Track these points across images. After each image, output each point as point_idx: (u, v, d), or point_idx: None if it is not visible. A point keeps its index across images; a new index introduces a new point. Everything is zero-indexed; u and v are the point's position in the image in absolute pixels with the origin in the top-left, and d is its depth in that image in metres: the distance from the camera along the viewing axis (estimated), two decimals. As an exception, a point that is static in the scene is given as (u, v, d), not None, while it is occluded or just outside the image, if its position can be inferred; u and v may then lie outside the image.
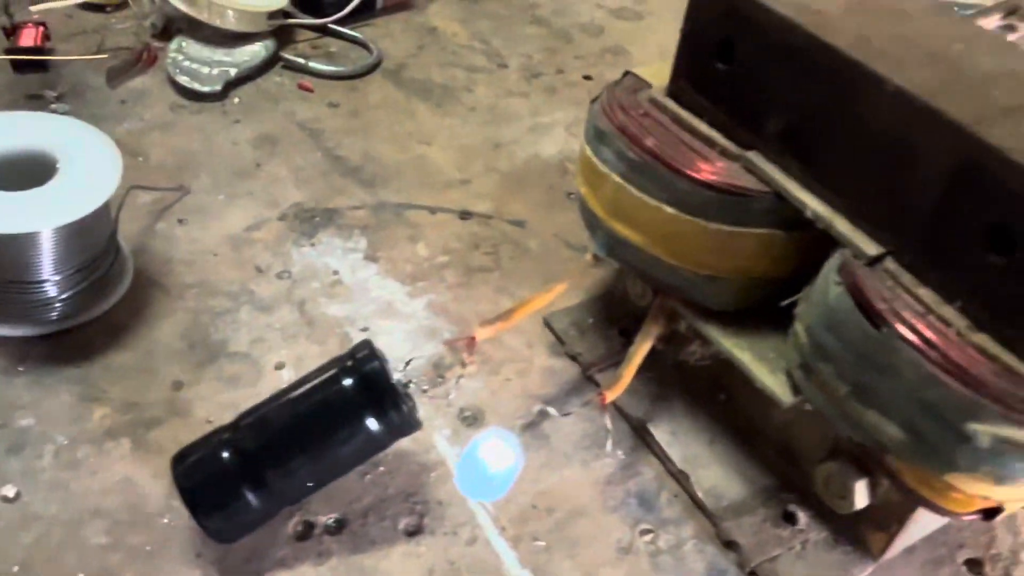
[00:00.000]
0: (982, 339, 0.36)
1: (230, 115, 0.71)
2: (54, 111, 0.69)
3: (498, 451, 0.39)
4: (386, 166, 0.69)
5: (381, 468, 0.47)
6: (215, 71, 0.74)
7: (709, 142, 0.46)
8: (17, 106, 0.68)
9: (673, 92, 0.49)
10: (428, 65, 0.81)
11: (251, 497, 0.41)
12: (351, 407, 0.41)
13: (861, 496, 0.44)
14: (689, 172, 0.44)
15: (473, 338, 0.47)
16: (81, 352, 0.51)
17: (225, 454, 0.41)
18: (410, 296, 0.58)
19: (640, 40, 0.89)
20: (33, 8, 0.73)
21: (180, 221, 0.61)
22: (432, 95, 0.77)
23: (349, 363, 0.42)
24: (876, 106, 0.39)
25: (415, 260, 0.61)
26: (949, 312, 0.37)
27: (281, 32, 0.80)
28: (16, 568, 0.41)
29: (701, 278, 0.47)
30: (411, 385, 0.43)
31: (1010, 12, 0.71)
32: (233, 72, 0.74)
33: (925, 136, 0.37)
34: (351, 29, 0.83)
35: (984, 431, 0.35)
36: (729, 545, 0.47)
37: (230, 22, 0.76)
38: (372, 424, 0.41)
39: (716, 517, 0.47)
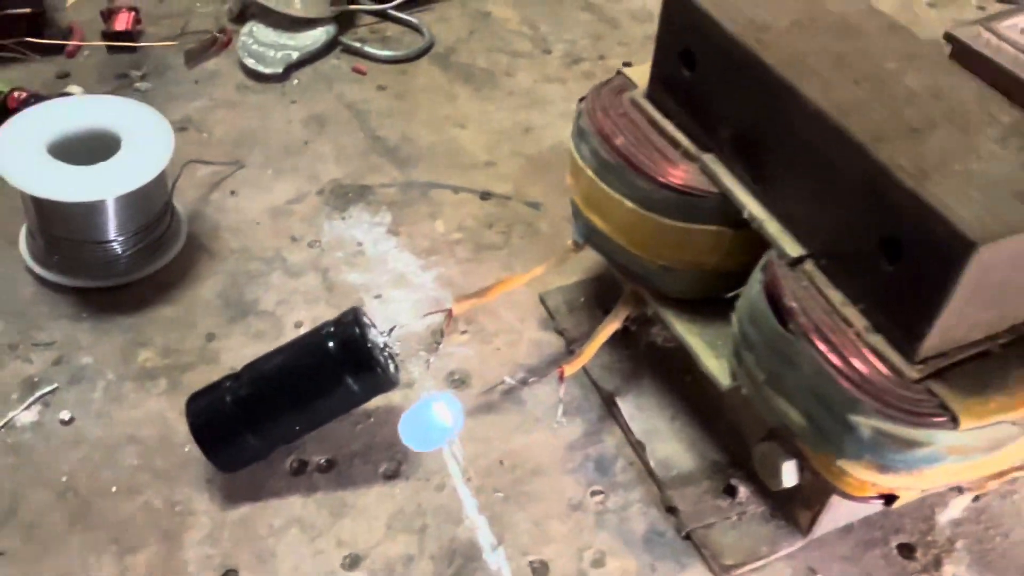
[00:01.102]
0: (877, 340, 0.40)
1: (288, 95, 0.79)
2: (138, 89, 0.78)
3: (442, 413, 0.45)
4: (420, 147, 0.75)
5: (371, 419, 0.54)
6: (279, 54, 0.81)
7: (674, 143, 0.50)
8: (107, 83, 0.78)
9: (650, 94, 0.53)
10: (475, 50, 0.86)
11: (247, 436, 0.49)
12: (332, 366, 0.48)
13: (789, 476, 0.47)
14: (648, 172, 0.49)
15: (451, 311, 0.53)
16: (135, 303, 0.60)
17: (227, 399, 0.48)
18: (422, 269, 0.65)
19: (687, 27, 0.91)
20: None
21: (232, 192, 0.69)
22: (474, 79, 0.83)
23: (333, 328, 0.49)
24: (800, 122, 0.42)
25: (432, 236, 0.67)
26: (852, 313, 0.41)
27: (344, 17, 0.87)
28: (64, 478, 0.51)
29: (659, 268, 0.51)
30: (388, 349, 0.50)
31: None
32: (295, 55, 0.82)
33: (836, 153, 0.40)
34: (410, 14, 0.89)
35: (864, 424, 0.39)
36: (671, 510, 0.51)
37: (295, 8, 0.83)
38: (349, 382, 0.48)
39: (663, 485, 0.52)
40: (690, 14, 0.47)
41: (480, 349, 0.59)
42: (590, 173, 0.52)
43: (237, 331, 0.59)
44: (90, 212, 0.59)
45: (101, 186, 0.58)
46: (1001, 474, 0.44)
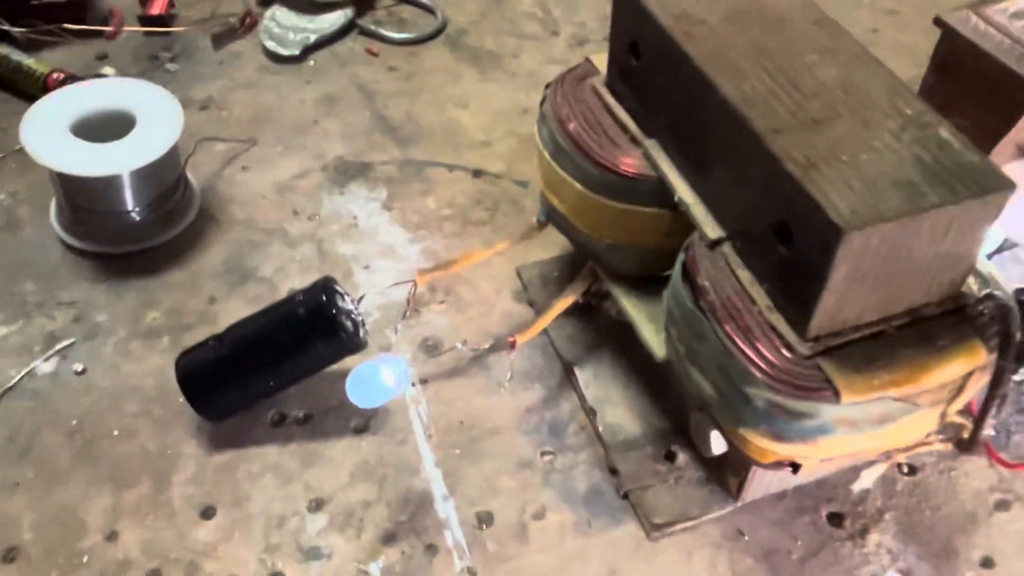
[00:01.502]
0: (777, 318, 0.43)
1: (303, 76, 0.84)
2: (167, 70, 0.84)
3: (387, 375, 0.49)
4: (421, 126, 0.79)
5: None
6: (298, 37, 0.86)
7: (624, 129, 0.53)
8: (140, 64, 0.85)
9: (608, 82, 0.56)
10: (485, 32, 0.90)
11: (227, 391, 0.54)
12: (301, 330, 0.53)
13: (717, 444, 0.50)
14: (595, 157, 0.52)
15: (415, 282, 0.57)
16: (148, 268, 0.67)
17: (210, 356, 0.54)
18: (410, 242, 0.69)
19: (697, 8, 0.93)
20: (154, -18, 0.88)
21: (244, 167, 0.75)
22: (480, 61, 0.86)
23: (303, 296, 0.54)
24: (714, 113, 0.44)
25: (423, 211, 0.72)
26: (758, 293, 0.44)
27: (363, 0, 0.92)
28: (74, 422, 0.57)
29: (606, 246, 0.55)
30: (357, 315, 0.55)
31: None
32: (313, 38, 0.87)
33: (742, 142, 0.43)
34: (426, -4, 0.94)
35: (758, 395, 0.42)
36: (613, 472, 0.55)
37: (315, -8, 0.88)
38: (317, 345, 0.53)
39: (608, 448, 0.56)
40: (634, 6, 0.50)
41: (454, 317, 0.64)
42: (547, 156, 0.55)
43: (236, 295, 0.65)
44: (108, 185, 0.65)
45: (117, 162, 0.64)
46: (908, 448, 0.47)
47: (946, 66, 0.72)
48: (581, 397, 0.59)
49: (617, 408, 0.58)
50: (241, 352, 0.54)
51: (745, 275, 0.44)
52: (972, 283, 0.44)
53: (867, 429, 0.43)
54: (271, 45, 0.86)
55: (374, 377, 0.49)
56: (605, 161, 0.52)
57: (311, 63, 0.86)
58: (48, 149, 0.63)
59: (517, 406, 0.59)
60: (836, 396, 0.40)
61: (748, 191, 0.44)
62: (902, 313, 0.42)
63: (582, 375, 0.60)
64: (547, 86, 0.58)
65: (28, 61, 0.80)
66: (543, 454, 0.56)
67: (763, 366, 0.41)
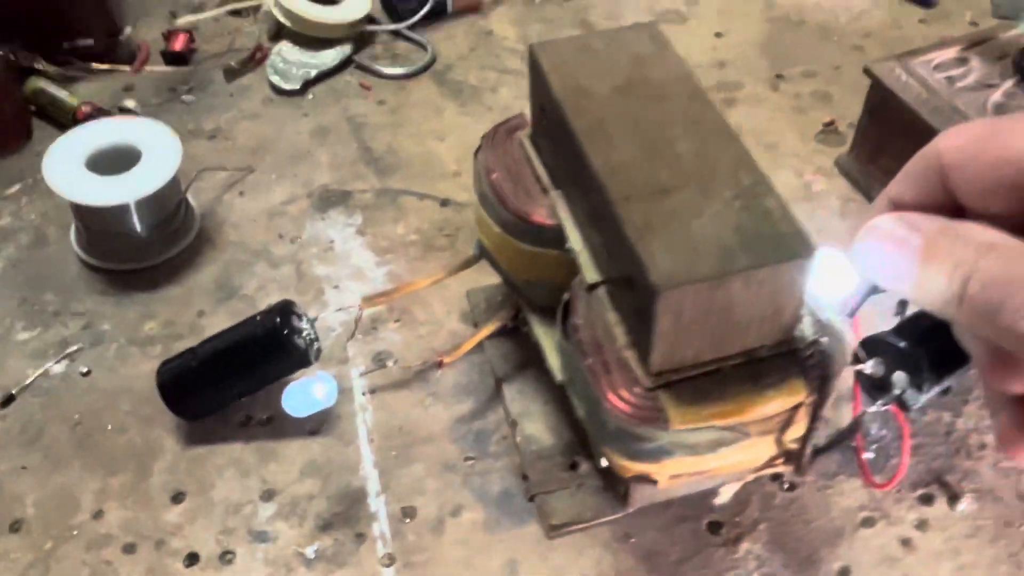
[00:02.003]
0: (630, 355, 0.50)
1: (302, 109, 0.94)
2: (183, 101, 0.95)
3: (318, 390, 0.58)
4: (401, 157, 0.88)
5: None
6: (299, 71, 0.96)
7: (538, 180, 0.61)
8: (161, 96, 0.95)
9: (531, 135, 0.64)
10: (470, 67, 0.98)
11: (198, 397, 0.64)
12: (260, 346, 0.62)
13: (602, 458, 0.58)
14: (509, 204, 0.60)
15: (361, 307, 0.66)
16: (149, 284, 0.77)
17: (184, 367, 0.64)
18: (377, 265, 0.78)
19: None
20: (179, 21, 0.98)
21: (241, 193, 0.85)
22: (462, 95, 0.95)
23: (260, 317, 0.63)
24: (588, 178, 0.52)
25: (392, 237, 0.80)
26: (620, 333, 0.51)
27: (362, 36, 1.01)
28: (77, 416, 0.68)
29: (522, 281, 0.62)
30: (308, 335, 0.63)
31: (970, 46, 0.76)
32: (313, 73, 0.96)
33: (604, 206, 0.50)
34: (422, 32, 1.02)
35: (610, 420, 0.49)
36: (524, 478, 0.63)
37: (317, 29, 0.97)
38: (272, 360, 0.62)
39: (523, 457, 0.64)
40: (540, 75, 0.58)
41: (406, 335, 0.73)
42: (476, 199, 0.63)
43: (221, 310, 0.75)
44: (116, 212, 0.75)
45: (123, 192, 0.74)
46: (758, 469, 0.54)
47: (876, 112, 0.78)
48: (506, 410, 0.67)
49: (535, 421, 0.66)
50: (210, 364, 0.63)
51: (612, 316, 0.52)
52: (808, 328, 0.50)
53: (704, 453, 0.50)
54: (275, 79, 0.95)
55: (307, 391, 0.57)
56: (517, 209, 0.59)
57: (310, 96, 0.95)
58: (65, 182, 0.73)
59: (450, 416, 0.67)
60: (667, 424, 0.47)
61: (612, 246, 0.51)
62: (738, 354, 0.49)
63: (509, 390, 0.68)
64: (483, 136, 0.66)
65: (61, 95, 0.91)
66: (466, 459, 0.65)
67: (612, 396, 0.49)
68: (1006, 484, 0.62)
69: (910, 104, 0.73)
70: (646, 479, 0.53)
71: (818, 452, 0.55)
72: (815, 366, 0.49)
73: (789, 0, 1.05)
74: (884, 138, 0.77)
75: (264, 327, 0.62)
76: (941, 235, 0.35)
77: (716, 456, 0.50)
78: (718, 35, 1.01)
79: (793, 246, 0.45)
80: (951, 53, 0.76)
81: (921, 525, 0.60)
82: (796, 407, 0.49)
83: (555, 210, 0.59)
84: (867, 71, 0.77)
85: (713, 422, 0.48)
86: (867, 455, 0.63)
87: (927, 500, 0.61)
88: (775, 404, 0.48)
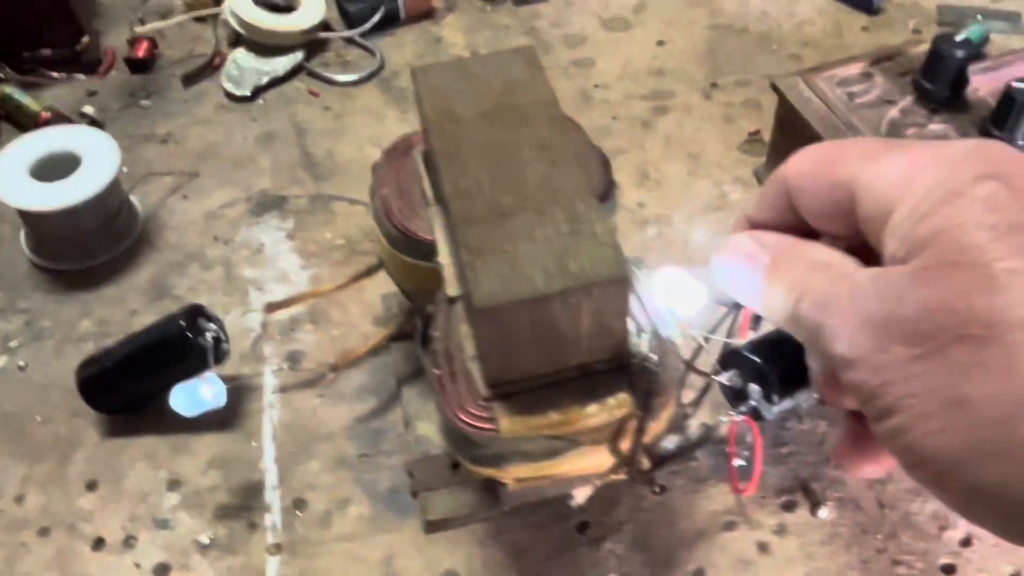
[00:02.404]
0: (474, 367, 0.53)
1: (251, 114, 0.98)
2: (141, 106, 0.99)
3: (205, 391, 0.62)
4: (338, 163, 0.92)
5: (236, 383, 0.73)
6: (251, 78, 1.00)
7: (424, 195, 0.64)
8: (121, 101, 1.00)
9: (423, 154, 0.67)
10: (416, 74, 1.01)
11: (114, 393, 0.69)
12: (168, 346, 0.67)
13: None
14: (393, 219, 0.63)
15: (267, 311, 0.70)
16: (90, 283, 0.82)
17: (101, 365, 0.69)
18: (302, 269, 0.82)
19: (612, 52, 1.02)
20: (138, 29, 1.03)
21: (184, 197, 0.90)
22: (404, 102, 0.98)
23: (169, 320, 0.68)
24: (444, 198, 0.55)
25: (319, 241, 0.84)
26: (468, 345, 0.54)
27: (315, 43, 1.05)
28: (10, 408, 0.73)
29: (408, 291, 0.66)
30: (213, 336, 0.68)
31: (876, 61, 0.78)
32: (265, 80, 1.00)
33: (452, 226, 0.53)
34: (374, 40, 1.05)
35: (453, 426, 0.53)
36: (411, 475, 0.67)
37: (270, 37, 1.01)
38: (181, 360, 0.67)
39: (413, 455, 0.68)
40: (417, 97, 0.61)
41: (320, 337, 0.77)
42: (370, 214, 0.67)
43: (152, 310, 0.80)
44: (57, 216, 0.80)
45: (64, 197, 0.79)
46: (603, 474, 0.57)
47: (782, 125, 0.80)
48: (403, 411, 0.71)
49: (428, 422, 0.70)
50: (122, 364, 0.68)
51: (465, 329, 0.55)
52: (646, 345, 0.53)
53: (541, 460, 0.53)
54: (228, 86, 1.00)
55: (195, 391, 0.62)
56: (399, 223, 0.63)
57: (260, 102, 1.00)
58: (8, 189, 0.79)
59: (351, 415, 0.71)
60: (498, 433, 0.51)
61: (458, 264, 0.54)
62: (574, 368, 0.52)
63: (408, 392, 0.71)
64: (384, 150, 0.69)
65: (27, 100, 0.96)
66: (360, 456, 0.69)
67: (452, 404, 0.52)
68: (869, 493, 0.64)
69: (808, 120, 0.75)
70: (496, 482, 0.57)
71: (664, 460, 0.57)
72: (641, 381, 0.52)
73: (734, 8, 1.06)
74: (791, 151, 0.78)
75: (170, 329, 0.67)
76: (784, 253, 0.38)
77: (554, 463, 0.54)
78: (660, 43, 1.03)
79: (609, 268, 0.48)
80: (856, 69, 0.77)
81: (780, 530, 0.63)
82: (625, 419, 0.52)
83: (430, 225, 0.62)
84: (773, 86, 0.78)
85: (542, 432, 0.51)
86: (738, 461, 0.65)
87: (790, 507, 0.64)
88: (601, 417, 0.51)
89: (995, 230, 0.30)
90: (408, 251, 0.63)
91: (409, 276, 0.65)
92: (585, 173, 0.54)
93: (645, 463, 0.56)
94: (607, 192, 0.64)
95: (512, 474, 0.55)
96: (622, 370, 0.53)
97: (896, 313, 0.31)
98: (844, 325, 0.33)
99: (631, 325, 0.54)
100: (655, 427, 0.55)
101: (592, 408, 0.51)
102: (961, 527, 0.62)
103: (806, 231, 0.40)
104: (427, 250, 0.62)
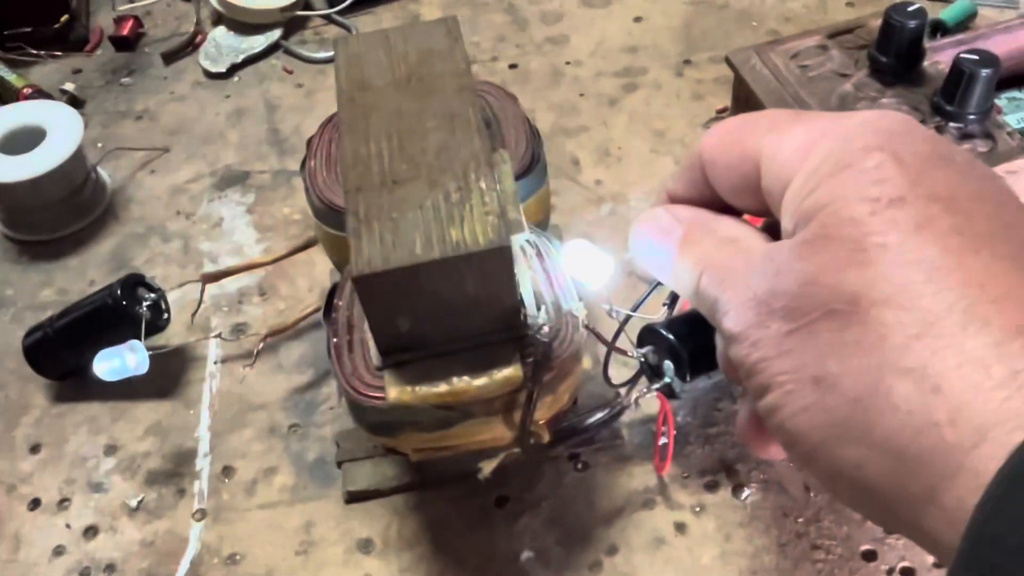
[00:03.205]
0: (370, 337, 0.53)
1: (225, 91, 0.99)
2: (122, 84, 1.01)
3: (129, 358, 0.63)
4: (303, 139, 0.92)
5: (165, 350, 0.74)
6: (228, 55, 1.01)
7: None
8: (104, 78, 1.02)
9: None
10: (390, 51, 1.01)
11: (56, 360, 0.71)
12: (107, 314, 0.68)
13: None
14: (316, 190, 0.64)
15: (203, 282, 0.71)
16: (55, 254, 0.84)
17: (44, 333, 0.70)
18: (257, 243, 0.83)
19: (588, 29, 1.00)
20: (122, 8, 1.05)
21: (152, 172, 0.91)
22: (375, 79, 0.98)
23: (109, 288, 0.69)
24: (344, 164, 0.55)
25: (277, 216, 0.85)
26: (369, 314, 0.54)
27: (294, 20, 1.05)
28: (-33, 372, 0.76)
29: (336, 262, 0.66)
30: (149, 303, 0.69)
31: (833, 35, 0.76)
32: (241, 57, 1.01)
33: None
34: (353, 17, 1.06)
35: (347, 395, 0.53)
36: (337, 444, 0.67)
37: (247, 15, 1.02)
38: (118, 327, 0.68)
39: (341, 427, 0.68)
40: (336, 68, 0.61)
41: (266, 309, 0.77)
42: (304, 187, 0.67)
43: (110, 280, 0.80)
44: (22, 187, 0.82)
45: (26, 169, 0.81)
46: (507, 446, 0.56)
47: (739, 99, 0.78)
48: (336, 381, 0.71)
49: (360, 394, 0.70)
50: (63, 332, 0.70)
51: (368, 299, 0.55)
52: (544, 317, 0.53)
53: (434, 430, 0.53)
54: (205, 63, 1.01)
55: (120, 358, 0.63)
56: (322, 195, 0.63)
57: (236, 79, 1.01)
58: (-26, 161, 0.81)
59: (289, 387, 0.72)
60: (384, 401, 0.51)
61: (360, 233, 0.54)
62: (468, 338, 0.52)
63: (343, 365, 0.72)
64: (321, 123, 0.69)
65: (11, 77, 0.99)
66: (291, 427, 0.69)
67: (344, 373, 0.52)
68: (795, 476, 0.62)
69: (759, 95, 0.73)
70: (397, 452, 0.57)
71: (567, 435, 0.57)
72: (534, 354, 0.51)
73: (717, -17, 1.04)
74: (747, 127, 0.77)
75: (106, 298, 0.68)
76: (695, 228, 0.37)
77: (447, 434, 0.53)
78: (637, 20, 1.01)
79: (490, 237, 0.48)
80: (812, 41, 0.75)
81: (699, 511, 0.62)
82: (516, 391, 0.52)
83: (352, 197, 0.62)
84: (728, 60, 0.77)
85: (429, 401, 0.51)
86: (663, 440, 0.64)
87: (712, 487, 0.63)
88: (489, 388, 0.51)
89: (876, 203, 0.28)
90: (331, 223, 0.64)
91: (335, 248, 0.65)
92: (482, 142, 0.53)
93: (544, 437, 0.56)
94: (529, 165, 0.63)
95: (407, 444, 0.55)
96: (515, 342, 0.52)
97: (775, 288, 0.30)
98: (733, 300, 0.32)
99: (531, 297, 0.54)
100: (553, 401, 0.55)
101: (480, 379, 0.51)
102: (888, 513, 0.60)
103: (726, 206, 0.38)
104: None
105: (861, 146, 0.30)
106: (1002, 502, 0.23)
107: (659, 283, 0.45)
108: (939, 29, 0.88)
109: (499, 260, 0.48)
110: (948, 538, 0.25)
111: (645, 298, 0.55)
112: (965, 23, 0.92)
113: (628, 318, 0.54)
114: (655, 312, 0.51)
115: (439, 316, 0.50)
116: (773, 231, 0.35)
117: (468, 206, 0.49)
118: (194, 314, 0.73)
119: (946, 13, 0.91)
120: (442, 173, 0.52)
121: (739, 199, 0.36)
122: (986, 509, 0.23)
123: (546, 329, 0.51)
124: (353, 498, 0.65)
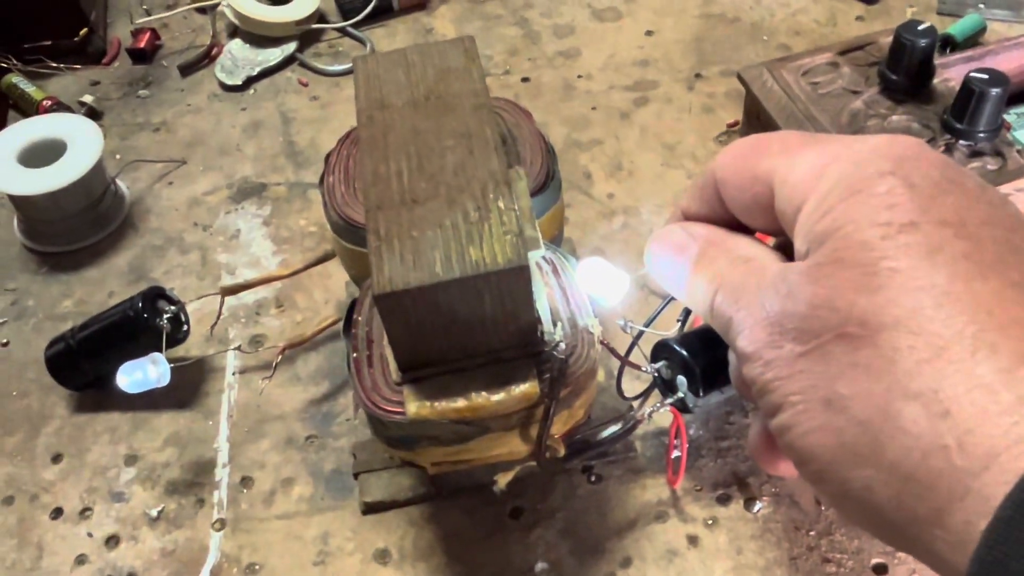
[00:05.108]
0: (389, 353, 0.54)
1: (241, 104, 1.00)
2: (139, 96, 1.03)
3: (151, 370, 0.64)
4: (319, 152, 0.93)
5: (186, 363, 0.76)
6: (244, 68, 1.03)
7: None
8: (121, 90, 1.03)
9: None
10: (404, 64, 1.02)
11: (78, 371, 0.72)
12: (127, 327, 0.70)
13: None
14: (333, 205, 0.65)
15: (222, 295, 0.72)
16: (74, 265, 0.85)
17: (66, 344, 0.72)
18: (273, 255, 0.84)
19: (599, 43, 1.01)
20: (139, 21, 1.06)
21: (170, 184, 0.92)
22: (389, 92, 0.99)
23: (130, 301, 0.70)
24: (364, 182, 0.56)
25: (293, 228, 0.86)
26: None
27: (309, 33, 1.07)
28: (-10, 382, 0.77)
29: (354, 277, 0.67)
30: (170, 316, 0.70)
31: (844, 51, 0.77)
32: (257, 70, 1.02)
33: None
34: (367, 30, 1.07)
35: (367, 409, 0.54)
36: (354, 455, 0.68)
37: (263, 28, 1.04)
38: (138, 339, 0.69)
39: (359, 438, 0.69)
40: (356, 86, 0.62)
41: (284, 321, 0.79)
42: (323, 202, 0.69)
43: (129, 291, 0.82)
44: (42, 200, 0.84)
45: (47, 182, 0.83)
46: (523, 460, 0.57)
47: (750, 114, 0.79)
48: (355, 394, 0.72)
49: (376, 406, 0.71)
50: (84, 343, 0.71)
51: (389, 315, 0.56)
52: (560, 333, 0.54)
53: (452, 444, 0.54)
54: (221, 76, 1.02)
55: (143, 370, 0.64)
56: (340, 210, 0.64)
57: (252, 92, 1.02)
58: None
59: (305, 398, 0.73)
60: (404, 416, 0.52)
61: (380, 250, 0.55)
62: (484, 354, 0.53)
63: (359, 376, 0.73)
64: (339, 138, 0.71)
65: (31, 89, 1.00)
66: (308, 438, 0.70)
67: (363, 387, 0.54)
68: (807, 490, 0.63)
69: (770, 111, 0.73)
70: (416, 465, 0.58)
71: (583, 449, 0.58)
72: (551, 370, 0.52)
73: (727, -3, 1.05)
74: (759, 142, 0.78)
75: (128, 311, 0.69)
76: (711, 245, 0.38)
77: (465, 448, 0.54)
78: (648, 33, 1.02)
79: (508, 256, 0.49)
80: (823, 58, 0.76)
81: (712, 524, 0.62)
82: (533, 406, 0.53)
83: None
84: (739, 77, 0.77)
85: (448, 416, 0.52)
86: (676, 453, 0.65)
87: (724, 500, 0.63)
88: (506, 404, 0.52)
89: (888, 228, 0.29)
90: (349, 238, 0.65)
91: (353, 263, 0.66)
92: (500, 163, 0.54)
93: (560, 451, 0.56)
94: (545, 182, 0.64)
95: (425, 457, 0.56)
96: (532, 358, 0.53)
97: (788, 309, 0.30)
98: (747, 319, 0.33)
99: (547, 313, 0.55)
100: (569, 416, 0.56)
101: (497, 395, 0.52)
102: (898, 526, 0.61)
103: (739, 224, 0.39)
104: (363, 236, 0.63)
105: (873, 171, 0.30)
106: (1010, 526, 0.24)
107: (672, 298, 0.45)
108: (948, 44, 0.89)
109: (517, 279, 0.49)
110: (956, 561, 0.26)
111: (658, 313, 0.56)
112: (974, 38, 0.93)
113: (641, 333, 0.55)
114: (669, 327, 0.52)
115: (458, 333, 0.51)
116: (786, 249, 0.36)
117: (487, 225, 0.50)
118: (213, 326, 0.74)
119: (955, 28, 0.92)
120: (460, 192, 0.53)
121: (752, 219, 0.37)
122: (994, 533, 0.24)
123: (563, 346, 0.52)
124: (370, 509, 0.66)
